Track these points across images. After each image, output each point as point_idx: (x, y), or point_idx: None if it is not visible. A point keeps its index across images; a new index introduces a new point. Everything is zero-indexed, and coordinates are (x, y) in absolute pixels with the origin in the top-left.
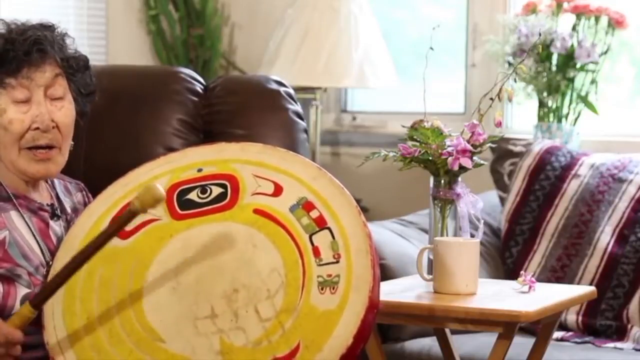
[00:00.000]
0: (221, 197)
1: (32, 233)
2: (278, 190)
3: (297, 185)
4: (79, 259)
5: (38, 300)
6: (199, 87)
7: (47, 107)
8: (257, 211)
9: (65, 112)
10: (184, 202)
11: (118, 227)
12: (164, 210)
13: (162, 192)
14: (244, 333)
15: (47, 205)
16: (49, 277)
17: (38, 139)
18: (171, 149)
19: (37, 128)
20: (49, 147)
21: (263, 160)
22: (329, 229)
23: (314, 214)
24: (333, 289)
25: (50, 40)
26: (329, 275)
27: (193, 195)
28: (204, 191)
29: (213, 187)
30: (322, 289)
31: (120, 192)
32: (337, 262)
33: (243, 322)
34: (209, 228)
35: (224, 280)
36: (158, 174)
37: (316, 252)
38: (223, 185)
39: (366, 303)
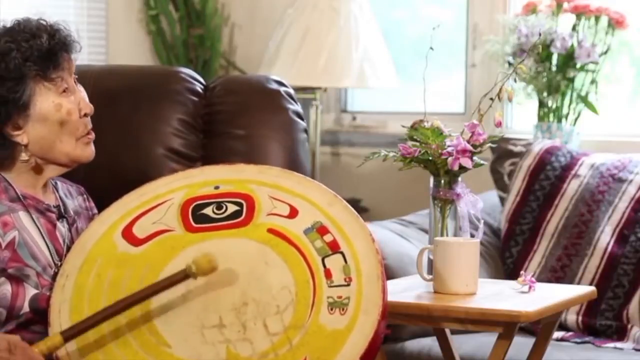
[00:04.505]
0: (236, 214)
1: (41, 233)
2: (293, 213)
3: (312, 209)
4: (121, 304)
5: (70, 334)
6: (199, 87)
7: (79, 91)
8: (271, 230)
9: (83, 90)
10: (198, 216)
11: (168, 284)
12: (178, 222)
13: (217, 264)
14: (251, 345)
15: (54, 206)
16: (58, 278)
17: (88, 124)
18: (171, 149)
19: (86, 114)
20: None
21: (280, 183)
22: (341, 253)
23: (328, 238)
24: (342, 310)
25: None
26: (339, 297)
27: (208, 211)
28: (219, 207)
29: (229, 205)
30: (331, 309)
31: (135, 202)
32: (348, 285)
33: (251, 334)
34: (222, 242)
35: (234, 293)
36: (175, 187)
37: (328, 274)
38: (239, 204)
39: (375, 326)
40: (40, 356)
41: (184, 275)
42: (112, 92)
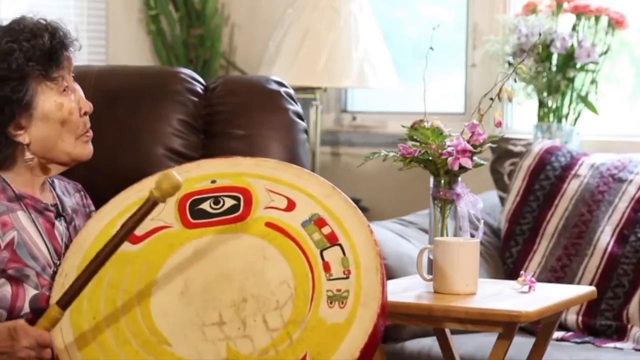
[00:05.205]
0: (234, 208)
1: (40, 233)
2: (291, 206)
3: (310, 201)
4: (102, 254)
5: (65, 300)
6: (199, 87)
7: (78, 90)
8: (269, 224)
9: (80, 89)
10: (196, 211)
11: (139, 218)
12: (176, 218)
13: (179, 179)
14: (251, 341)
15: (52, 205)
16: (57, 277)
17: (87, 122)
18: (171, 149)
19: (85, 113)
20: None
21: (277, 176)
22: (340, 245)
23: (326, 230)
24: (342, 303)
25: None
26: (339, 290)
27: (206, 206)
28: (216, 202)
29: (226, 199)
30: (331, 302)
31: (133, 198)
32: (347, 277)
33: (250, 331)
34: (220, 238)
35: (233, 289)
36: None
37: (326, 267)
38: (236, 198)
39: (374, 319)
40: (43, 332)
41: (151, 203)
42: (112, 92)
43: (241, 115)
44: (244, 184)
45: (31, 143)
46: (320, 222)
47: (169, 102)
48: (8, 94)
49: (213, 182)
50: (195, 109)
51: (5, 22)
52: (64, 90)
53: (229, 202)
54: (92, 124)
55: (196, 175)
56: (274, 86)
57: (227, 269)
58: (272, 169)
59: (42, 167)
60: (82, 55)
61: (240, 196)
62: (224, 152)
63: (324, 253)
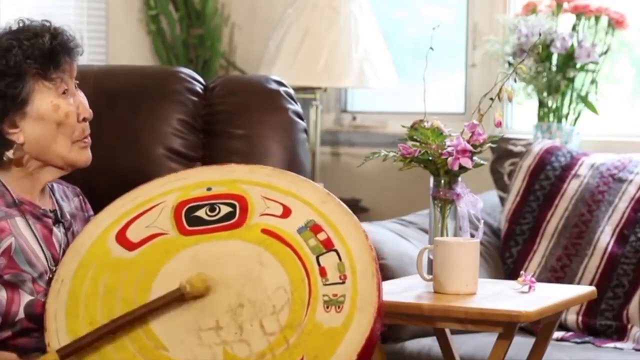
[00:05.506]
0: (229, 216)
1: (37, 239)
2: (286, 212)
3: (305, 208)
4: (114, 324)
5: (66, 352)
6: (198, 87)
7: (79, 96)
8: (264, 231)
9: (84, 96)
10: (192, 218)
11: (162, 304)
12: (172, 225)
13: (210, 284)
14: (248, 346)
15: (51, 211)
16: (53, 283)
17: (85, 129)
18: (171, 149)
19: (84, 119)
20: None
21: (272, 182)
22: (335, 251)
23: (322, 236)
24: (338, 308)
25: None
26: (335, 295)
27: (201, 213)
28: (212, 209)
29: (222, 206)
30: (327, 307)
31: (128, 205)
32: (343, 282)
33: (247, 335)
34: (216, 245)
35: (230, 295)
36: (168, 190)
37: (322, 272)
38: (232, 205)
39: (371, 323)
40: None
41: (178, 295)
42: (112, 92)
43: (241, 115)
44: (239, 191)
45: (25, 143)
46: (316, 228)
47: (168, 102)
48: (3, 89)
49: (209, 189)
50: (195, 108)
51: (11, 23)
52: (64, 92)
53: (225, 210)
54: (92, 124)
55: (192, 182)
56: (274, 86)
57: (223, 276)
58: (267, 176)
59: (39, 170)
60: (82, 55)
61: (236, 203)
62: (224, 151)
63: (320, 259)
